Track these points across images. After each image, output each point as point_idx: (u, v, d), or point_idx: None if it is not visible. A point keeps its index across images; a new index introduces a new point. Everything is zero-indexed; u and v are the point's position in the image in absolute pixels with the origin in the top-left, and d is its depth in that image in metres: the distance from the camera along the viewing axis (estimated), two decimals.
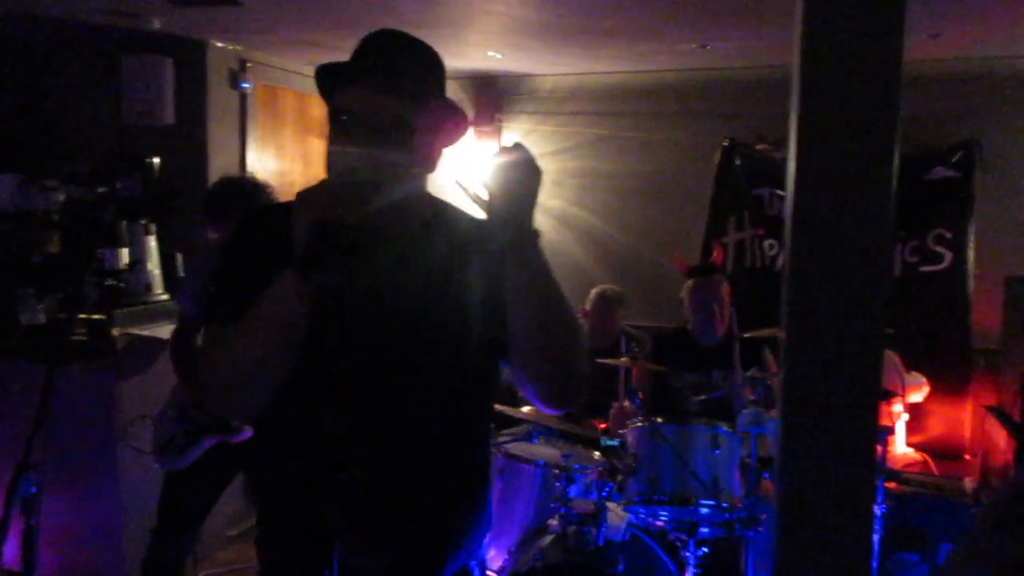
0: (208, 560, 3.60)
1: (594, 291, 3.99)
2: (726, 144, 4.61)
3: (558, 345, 1.32)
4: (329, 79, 1.33)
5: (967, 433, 4.26)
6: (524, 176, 1.21)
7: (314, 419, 1.29)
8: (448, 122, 1.35)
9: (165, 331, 3.47)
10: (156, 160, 3.82)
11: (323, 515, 1.27)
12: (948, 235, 4.19)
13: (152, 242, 3.66)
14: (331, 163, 1.29)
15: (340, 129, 1.29)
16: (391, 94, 1.27)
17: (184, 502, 2.78)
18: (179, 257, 3.80)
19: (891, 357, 3.97)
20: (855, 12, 1.29)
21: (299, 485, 1.33)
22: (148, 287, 3.62)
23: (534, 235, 1.25)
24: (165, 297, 3.68)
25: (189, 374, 2.74)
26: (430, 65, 1.35)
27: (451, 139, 1.37)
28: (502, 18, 3.52)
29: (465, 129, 1.38)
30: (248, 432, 2.47)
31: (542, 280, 1.28)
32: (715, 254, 4.50)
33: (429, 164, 1.35)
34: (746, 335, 3.18)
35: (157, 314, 3.56)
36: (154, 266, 3.67)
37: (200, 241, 3.82)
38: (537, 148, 5.04)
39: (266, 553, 1.42)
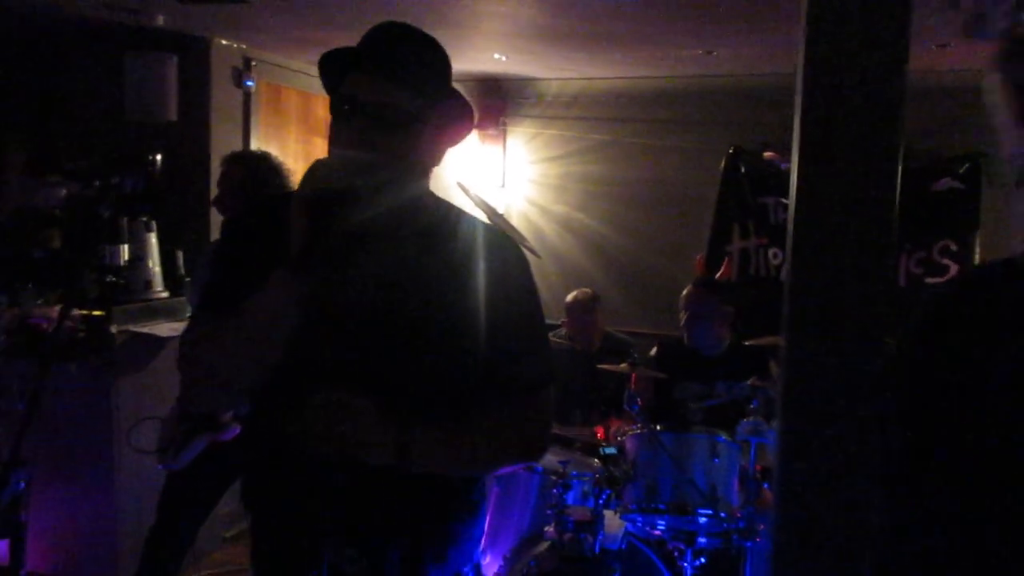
0: (203, 561, 3.58)
1: (567, 299, 3.95)
2: (731, 152, 4.59)
3: (499, 468, 1.51)
4: (333, 66, 1.29)
5: None
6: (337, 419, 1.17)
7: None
8: (456, 118, 1.32)
9: (164, 329, 3.46)
10: (158, 157, 3.81)
11: (314, 515, 1.25)
12: (954, 247, 4.16)
13: (153, 239, 3.64)
14: (333, 155, 1.27)
15: (343, 118, 1.25)
16: (396, 82, 1.24)
17: (184, 502, 2.77)
18: (180, 255, 3.79)
19: None
20: (860, 21, 1.27)
21: (289, 484, 1.31)
22: (148, 284, 3.61)
23: (405, 456, 1.20)
24: (165, 294, 3.66)
25: None
26: (437, 59, 1.31)
27: (458, 137, 1.34)
28: (507, 20, 3.51)
29: (471, 127, 1.36)
30: (236, 430, 2.46)
31: (449, 468, 1.32)
32: (722, 269, 4.48)
33: (432, 160, 1.32)
34: (748, 343, 3.16)
35: (157, 311, 3.54)
36: (154, 263, 3.65)
37: (203, 236, 3.82)
38: (542, 153, 5.09)
39: (258, 553, 1.41)
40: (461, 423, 1.30)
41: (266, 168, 2.81)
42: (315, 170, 1.22)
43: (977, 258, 4.14)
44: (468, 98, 1.36)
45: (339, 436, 1.16)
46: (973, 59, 3.99)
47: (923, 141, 4.14)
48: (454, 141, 1.35)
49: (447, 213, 1.39)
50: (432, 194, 1.38)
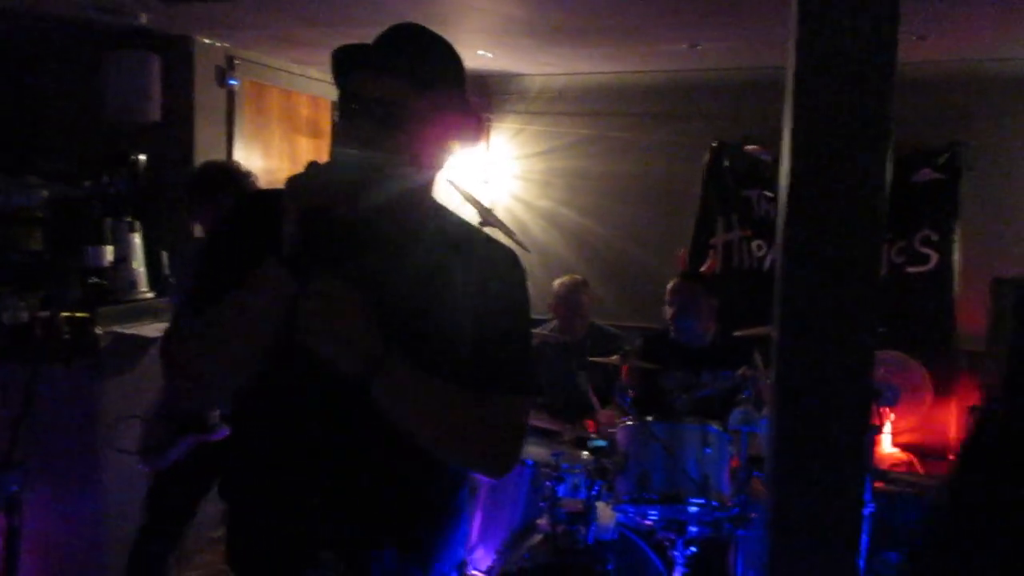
0: (189, 563, 3.57)
1: (555, 285, 3.83)
2: (715, 145, 4.62)
3: (457, 456, 1.32)
4: (339, 62, 1.28)
5: (952, 433, 4.29)
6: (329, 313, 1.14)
7: (292, 419, 1.27)
8: (454, 114, 1.28)
9: (150, 329, 3.43)
10: (142, 157, 3.78)
11: (296, 522, 1.25)
12: (934, 237, 4.22)
13: (137, 240, 3.62)
14: (333, 152, 1.25)
15: (349, 116, 1.24)
16: (389, 73, 1.22)
17: (170, 500, 2.77)
18: (164, 255, 3.76)
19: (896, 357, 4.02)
20: (850, 15, 1.29)
21: (276, 487, 1.30)
22: (133, 285, 3.58)
23: (374, 368, 1.16)
24: (150, 295, 3.64)
25: None
26: (442, 56, 1.30)
27: (457, 135, 1.31)
28: (491, 16, 3.51)
29: (478, 128, 1.32)
30: (225, 431, 2.45)
31: (411, 417, 1.23)
32: (708, 263, 4.52)
33: (428, 158, 1.28)
34: (735, 334, 3.20)
35: (142, 312, 3.52)
36: (139, 264, 3.63)
37: (187, 236, 3.80)
38: (526, 148, 5.10)
39: (238, 559, 1.38)
40: (441, 384, 1.27)
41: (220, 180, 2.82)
42: (311, 167, 1.21)
43: (957, 247, 4.20)
44: None
45: (327, 327, 1.13)
46: (950, 50, 4.04)
47: (902, 132, 4.19)
48: (453, 139, 1.31)
49: (446, 216, 1.38)
50: (432, 198, 1.37)
